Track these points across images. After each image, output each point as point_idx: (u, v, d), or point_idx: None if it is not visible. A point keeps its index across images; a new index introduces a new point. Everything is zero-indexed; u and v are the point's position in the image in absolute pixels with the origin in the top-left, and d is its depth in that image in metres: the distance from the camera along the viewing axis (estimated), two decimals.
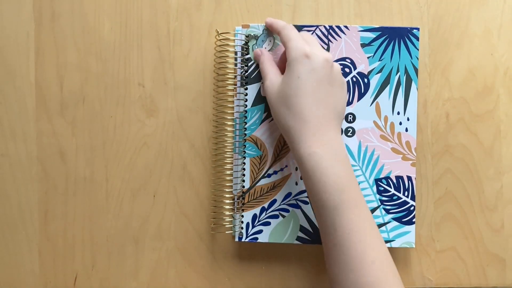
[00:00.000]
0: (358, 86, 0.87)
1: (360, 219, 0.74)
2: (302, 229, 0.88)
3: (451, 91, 0.92)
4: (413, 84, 0.87)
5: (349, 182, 0.75)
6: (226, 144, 0.89)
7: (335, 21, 0.92)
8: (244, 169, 0.88)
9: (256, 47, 0.88)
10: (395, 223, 0.87)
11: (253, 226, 0.88)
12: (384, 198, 0.87)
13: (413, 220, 0.87)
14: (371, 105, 0.87)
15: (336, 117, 0.79)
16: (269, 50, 0.88)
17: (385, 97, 0.87)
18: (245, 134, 0.88)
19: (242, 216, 0.88)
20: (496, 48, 0.92)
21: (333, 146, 0.76)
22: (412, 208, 0.87)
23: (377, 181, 0.87)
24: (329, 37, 0.87)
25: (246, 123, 0.88)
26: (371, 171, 0.87)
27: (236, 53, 0.89)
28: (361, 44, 0.88)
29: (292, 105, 0.77)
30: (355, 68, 0.87)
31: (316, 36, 0.87)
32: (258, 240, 0.88)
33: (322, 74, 0.78)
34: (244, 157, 0.88)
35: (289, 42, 0.80)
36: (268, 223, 0.88)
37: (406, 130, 0.87)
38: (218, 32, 0.88)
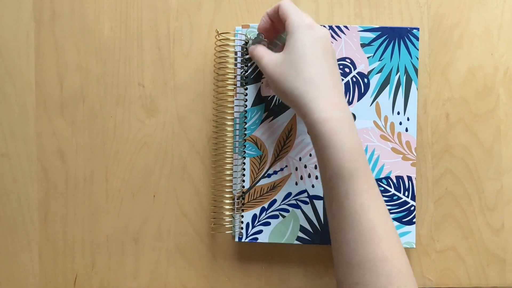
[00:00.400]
0: (358, 86, 0.87)
1: (372, 192, 0.72)
2: (302, 229, 0.88)
3: (451, 91, 0.92)
4: (413, 84, 0.87)
5: (362, 151, 0.73)
6: (226, 144, 0.89)
7: (335, 21, 0.92)
8: (244, 169, 0.88)
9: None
10: (395, 223, 0.87)
11: (253, 226, 0.88)
12: (384, 198, 0.87)
13: (413, 220, 0.87)
14: (371, 105, 0.87)
15: (343, 90, 0.78)
16: None
17: (385, 97, 0.87)
18: (245, 134, 0.88)
19: (242, 216, 0.88)
20: (496, 48, 0.92)
21: (346, 111, 0.74)
22: (412, 208, 0.87)
23: (377, 181, 0.87)
24: None
25: (246, 123, 0.88)
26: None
27: (236, 53, 0.89)
28: (361, 44, 0.88)
29: (301, 71, 0.75)
30: (355, 68, 0.87)
31: None
32: (258, 240, 0.88)
33: (326, 45, 0.77)
34: (244, 157, 0.88)
35: (290, 15, 0.79)
36: (268, 223, 0.88)
37: (406, 130, 0.87)
38: (218, 32, 0.88)
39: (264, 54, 0.81)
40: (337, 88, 0.75)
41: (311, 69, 0.74)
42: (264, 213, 0.88)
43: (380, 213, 0.72)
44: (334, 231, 0.74)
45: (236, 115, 0.89)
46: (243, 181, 0.88)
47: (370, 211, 0.71)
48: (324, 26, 0.88)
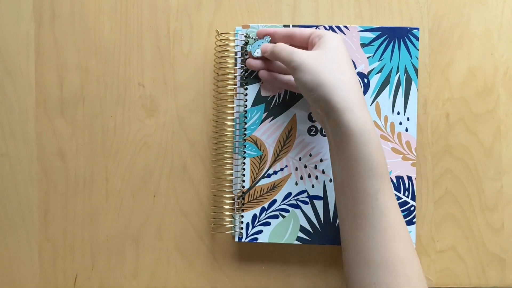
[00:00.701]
0: None
1: (393, 192, 0.74)
2: (302, 229, 0.88)
3: (451, 91, 0.92)
4: (413, 84, 0.87)
5: (382, 156, 0.74)
6: (226, 144, 0.89)
7: (335, 21, 0.92)
8: (244, 169, 0.88)
9: (250, 48, 0.88)
10: None
11: (253, 226, 0.88)
12: None
13: (413, 220, 0.87)
14: (371, 105, 0.87)
15: (359, 93, 0.78)
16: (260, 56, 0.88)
17: (385, 97, 0.87)
18: (245, 134, 0.88)
19: (242, 216, 0.88)
20: (496, 48, 0.92)
21: (370, 118, 0.75)
22: (412, 208, 0.87)
23: None
24: None
25: (246, 123, 0.88)
26: None
27: (236, 53, 0.89)
28: (361, 44, 0.88)
29: (344, 68, 0.75)
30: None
31: None
32: (258, 240, 0.88)
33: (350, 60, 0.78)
34: (244, 157, 0.88)
35: (313, 31, 0.81)
36: (268, 223, 0.88)
37: (406, 130, 0.87)
38: (218, 32, 0.88)
39: (294, 49, 0.80)
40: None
41: (350, 71, 0.76)
42: (264, 213, 0.88)
43: (400, 215, 0.73)
44: (354, 229, 0.74)
45: (236, 115, 0.89)
46: (243, 181, 0.88)
47: (394, 212, 0.72)
48: (324, 26, 0.88)
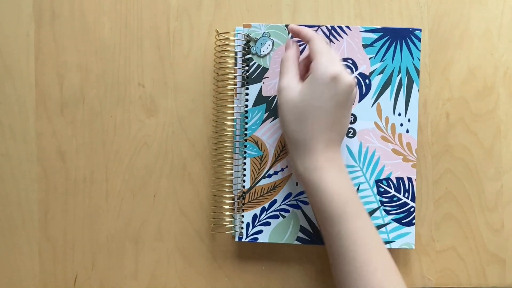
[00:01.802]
0: (359, 87, 0.87)
1: (364, 229, 0.75)
2: (302, 229, 0.88)
3: (451, 91, 0.92)
4: (414, 85, 0.87)
5: (352, 195, 0.76)
6: (226, 144, 0.89)
7: (335, 21, 0.92)
8: (244, 169, 0.88)
9: (254, 49, 0.88)
10: (395, 224, 0.87)
11: (253, 226, 0.88)
12: (384, 199, 0.87)
13: (413, 221, 0.87)
14: (372, 106, 0.87)
15: (343, 137, 0.81)
16: (267, 54, 0.88)
17: (386, 98, 0.87)
18: (246, 134, 0.88)
19: (242, 216, 0.88)
20: (496, 48, 0.92)
21: (337, 162, 0.78)
22: (412, 209, 0.87)
23: (378, 182, 0.87)
24: (331, 37, 0.87)
25: (246, 123, 0.88)
26: (371, 172, 0.87)
27: (236, 53, 0.89)
28: (363, 44, 0.87)
29: (306, 123, 0.76)
30: (356, 68, 0.87)
31: None
32: (258, 240, 0.88)
33: (343, 99, 0.77)
34: (245, 157, 0.88)
35: (319, 57, 0.78)
36: (268, 223, 0.88)
37: (407, 131, 0.87)
38: (218, 32, 0.88)
39: (287, 72, 0.81)
40: (335, 141, 0.79)
41: (316, 125, 0.77)
42: (264, 213, 0.88)
43: (373, 247, 0.75)
44: (333, 264, 0.78)
45: (236, 115, 0.89)
46: (244, 181, 0.88)
47: (364, 246, 0.74)
48: (326, 26, 0.87)
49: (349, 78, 0.77)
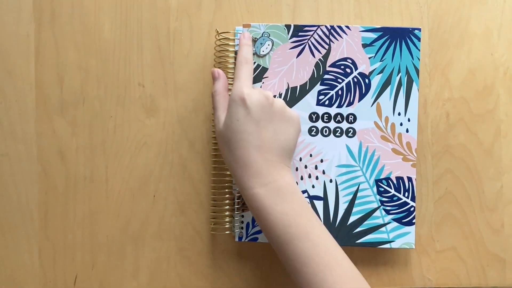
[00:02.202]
0: (359, 87, 0.87)
1: (314, 248, 0.73)
2: None
3: (451, 91, 0.92)
4: (414, 85, 0.87)
5: (297, 216, 0.75)
6: None
7: (335, 21, 0.92)
8: None
9: (254, 49, 0.88)
10: (395, 224, 0.87)
11: (253, 226, 0.88)
12: (384, 199, 0.87)
13: (413, 221, 0.87)
14: (372, 105, 0.87)
15: (281, 155, 0.79)
16: (266, 54, 0.88)
17: (386, 98, 0.87)
18: None
19: (242, 216, 0.88)
20: (496, 48, 0.92)
21: (275, 186, 0.76)
22: (412, 209, 0.87)
23: (378, 181, 0.87)
24: (330, 37, 0.87)
25: None
26: (371, 172, 0.87)
27: (236, 52, 0.89)
28: (362, 44, 0.87)
29: (233, 149, 0.77)
30: (356, 68, 0.87)
31: (317, 36, 0.87)
32: (258, 240, 0.88)
33: (260, 116, 0.77)
34: None
35: (235, 81, 0.81)
36: None
37: (407, 131, 0.87)
38: (218, 32, 0.88)
39: (217, 107, 0.82)
40: (273, 161, 0.78)
41: (242, 149, 0.77)
42: None
43: (328, 263, 0.73)
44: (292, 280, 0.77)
45: None
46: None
47: (316, 266, 0.73)
48: (325, 26, 0.87)
49: (256, 95, 0.78)
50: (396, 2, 0.92)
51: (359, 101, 0.87)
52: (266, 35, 0.87)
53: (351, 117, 0.87)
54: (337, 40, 0.87)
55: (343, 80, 0.87)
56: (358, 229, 0.88)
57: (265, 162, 0.77)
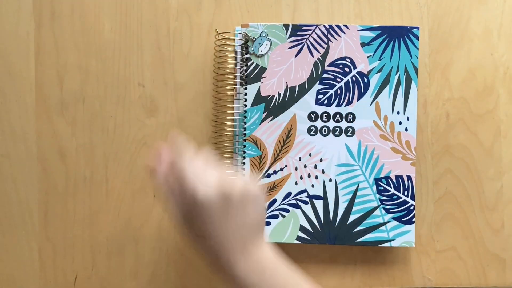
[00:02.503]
0: (358, 86, 0.87)
1: None
2: (302, 228, 0.88)
3: (451, 91, 0.92)
4: (413, 83, 0.87)
5: None
6: (226, 144, 0.89)
7: (335, 21, 0.92)
8: (244, 169, 0.88)
9: (252, 49, 0.88)
10: (395, 223, 0.87)
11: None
12: (384, 198, 0.87)
13: (413, 219, 0.87)
14: (371, 104, 0.87)
15: (254, 234, 0.72)
16: (265, 54, 0.88)
17: (385, 97, 0.87)
18: (245, 134, 0.88)
19: None
20: (496, 48, 0.92)
21: (257, 262, 0.71)
22: (412, 207, 0.87)
23: (377, 180, 0.87)
24: (329, 36, 0.87)
25: (246, 123, 0.88)
26: (371, 171, 0.87)
27: (236, 53, 0.89)
28: (361, 43, 0.88)
29: (200, 241, 0.71)
30: (354, 67, 0.87)
31: (316, 35, 0.88)
32: None
33: (221, 216, 0.69)
34: (244, 157, 0.88)
35: (184, 179, 0.69)
36: (268, 223, 0.88)
37: (406, 129, 0.87)
38: (217, 32, 0.88)
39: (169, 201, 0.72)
40: (233, 254, 0.70)
41: (210, 244, 0.70)
42: None
43: None
44: None
45: (236, 115, 0.89)
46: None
47: None
48: (323, 25, 0.88)
49: (212, 196, 0.68)
50: (396, 2, 0.92)
51: (358, 100, 0.88)
52: (264, 35, 0.88)
53: (350, 116, 0.87)
54: (336, 39, 0.88)
55: (342, 79, 0.87)
56: (358, 228, 0.88)
57: (228, 253, 0.69)
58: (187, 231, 0.71)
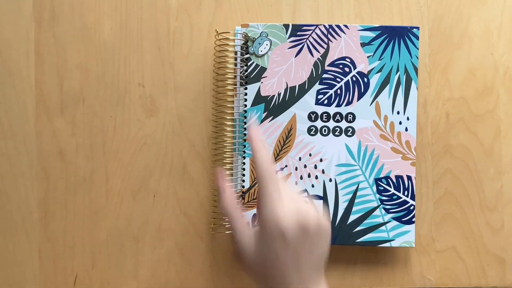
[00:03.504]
0: (357, 86, 0.87)
1: None
2: None
3: (451, 91, 0.92)
4: (413, 83, 0.87)
5: None
6: (226, 144, 0.89)
7: (335, 21, 0.92)
8: (244, 169, 0.88)
9: (252, 49, 0.88)
10: (395, 223, 0.87)
11: (253, 226, 0.88)
12: (384, 198, 0.87)
13: (413, 219, 0.87)
14: (370, 104, 0.88)
15: (317, 269, 0.73)
16: (265, 54, 0.88)
17: (385, 97, 0.87)
18: (245, 134, 0.88)
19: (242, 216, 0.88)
20: (496, 48, 0.92)
21: None
22: (412, 207, 0.87)
23: (377, 180, 0.87)
24: (329, 36, 0.87)
25: (245, 123, 0.88)
26: (371, 171, 0.87)
27: (236, 53, 0.89)
28: (361, 43, 0.88)
29: (268, 280, 0.71)
30: (354, 67, 0.87)
31: (316, 35, 0.88)
32: None
33: (299, 248, 0.70)
34: (244, 157, 0.88)
35: (262, 200, 0.72)
36: None
37: (406, 129, 0.87)
38: (217, 32, 0.88)
39: (237, 232, 0.75)
40: (306, 282, 0.71)
41: (278, 281, 0.70)
42: None
43: None
44: None
45: (236, 115, 0.89)
46: (243, 181, 0.88)
47: None
48: (323, 25, 0.88)
49: (294, 226, 0.70)
50: (396, 2, 0.92)
51: (358, 100, 0.88)
52: (264, 35, 0.88)
53: (350, 116, 0.88)
54: (336, 39, 0.88)
55: (342, 79, 0.87)
56: (358, 228, 0.88)
57: (308, 283, 0.71)
58: (251, 257, 0.73)
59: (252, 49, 0.88)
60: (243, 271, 0.77)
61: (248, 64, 0.88)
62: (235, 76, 0.89)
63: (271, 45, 0.88)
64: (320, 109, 0.88)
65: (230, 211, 0.76)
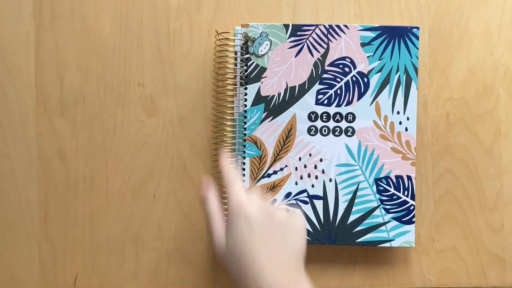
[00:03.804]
0: (357, 86, 0.87)
1: None
2: None
3: (451, 91, 0.92)
4: (413, 83, 0.87)
5: None
6: (226, 144, 0.89)
7: (335, 21, 0.92)
8: (244, 169, 0.88)
9: (252, 49, 0.88)
10: (395, 223, 0.87)
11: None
12: (384, 198, 0.87)
13: (413, 219, 0.87)
14: (370, 104, 0.87)
15: (295, 264, 0.74)
16: (265, 54, 0.88)
17: (385, 97, 0.87)
18: (245, 134, 0.88)
19: None
20: (496, 48, 0.92)
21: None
22: (412, 207, 0.87)
23: (377, 180, 0.87)
24: (329, 36, 0.87)
25: (245, 123, 0.88)
26: (371, 171, 0.87)
27: (236, 53, 0.89)
28: (361, 43, 0.88)
29: (244, 269, 0.71)
30: (354, 67, 0.87)
31: (316, 35, 0.88)
32: None
33: (268, 231, 0.72)
34: (244, 157, 0.88)
35: (229, 194, 0.75)
36: None
37: (406, 129, 0.87)
38: (217, 32, 0.88)
39: (212, 223, 0.77)
40: (285, 274, 0.71)
41: (254, 268, 0.70)
42: None
43: None
44: None
45: (236, 115, 0.89)
46: (243, 181, 0.88)
47: None
48: (323, 25, 0.88)
49: (259, 207, 0.74)
50: (396, 2, 0.92)
51: (358, 100, 0.88)
52: (264, 35, 0.88)
53: (350, 116, 0.87)
54: (336, 39, 0.88)
55: (341, 79, 0.87)
56: (358, 228, 0.87)
57: (282, 275, 0.71)
58: (224, 251, 0.74)
59: (252, 49, 0.88)
60: (223, 268, 0.76)
61: (248, 64, 0.88)
62: (235, 76, 0.89)
63: (271, 45, 0.88)
64: (320, 109, 0.88)
65: (210, 212, 0.78)
